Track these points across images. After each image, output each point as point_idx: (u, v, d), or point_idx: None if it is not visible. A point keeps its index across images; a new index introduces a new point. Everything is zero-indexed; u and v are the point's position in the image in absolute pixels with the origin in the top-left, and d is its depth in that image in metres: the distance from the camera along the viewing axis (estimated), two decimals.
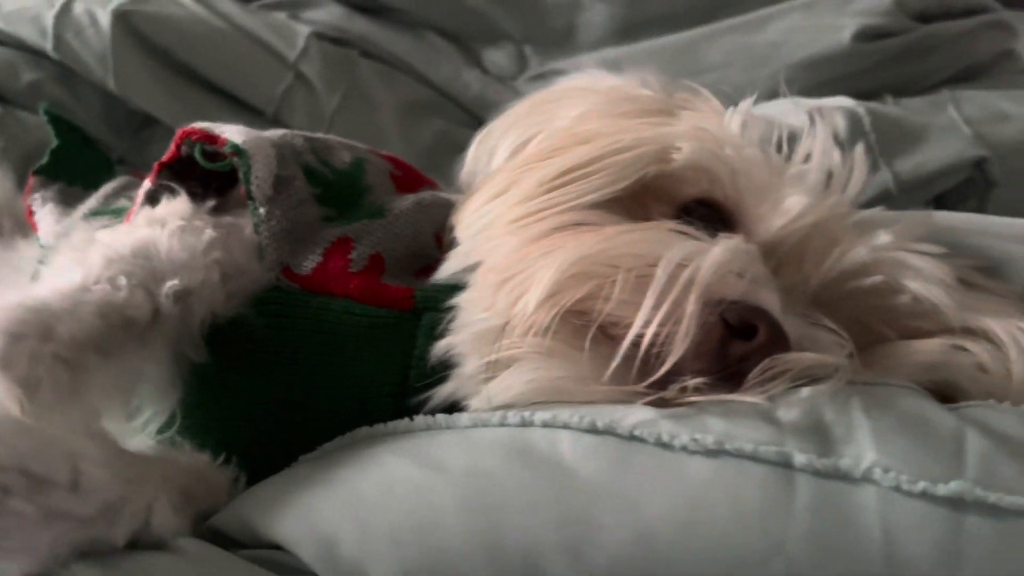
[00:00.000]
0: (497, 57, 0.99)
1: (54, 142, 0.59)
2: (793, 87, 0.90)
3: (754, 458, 0.29)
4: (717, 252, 0.33)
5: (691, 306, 0.32)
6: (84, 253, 0.38)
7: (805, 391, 0.31)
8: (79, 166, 0.59)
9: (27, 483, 0.28)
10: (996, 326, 0.37)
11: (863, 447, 0.29)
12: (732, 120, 0.42)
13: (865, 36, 0.89)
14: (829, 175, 0.42)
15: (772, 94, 0.89)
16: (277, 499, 0.33)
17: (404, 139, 0.89)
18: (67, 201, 0.55)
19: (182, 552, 0.31)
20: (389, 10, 0.99)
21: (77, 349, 0.33)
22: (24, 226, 0.63)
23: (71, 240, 0.41)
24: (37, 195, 0.55)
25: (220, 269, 0.39)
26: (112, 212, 0.52)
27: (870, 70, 0.90)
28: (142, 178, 0.57)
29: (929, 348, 0.37)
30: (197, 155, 0.44)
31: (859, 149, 0.41)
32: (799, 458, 0.29)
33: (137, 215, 0.43)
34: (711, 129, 0.41)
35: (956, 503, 0.27)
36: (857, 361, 0.34)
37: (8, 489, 0.28)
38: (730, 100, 0.80)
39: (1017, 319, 0.38)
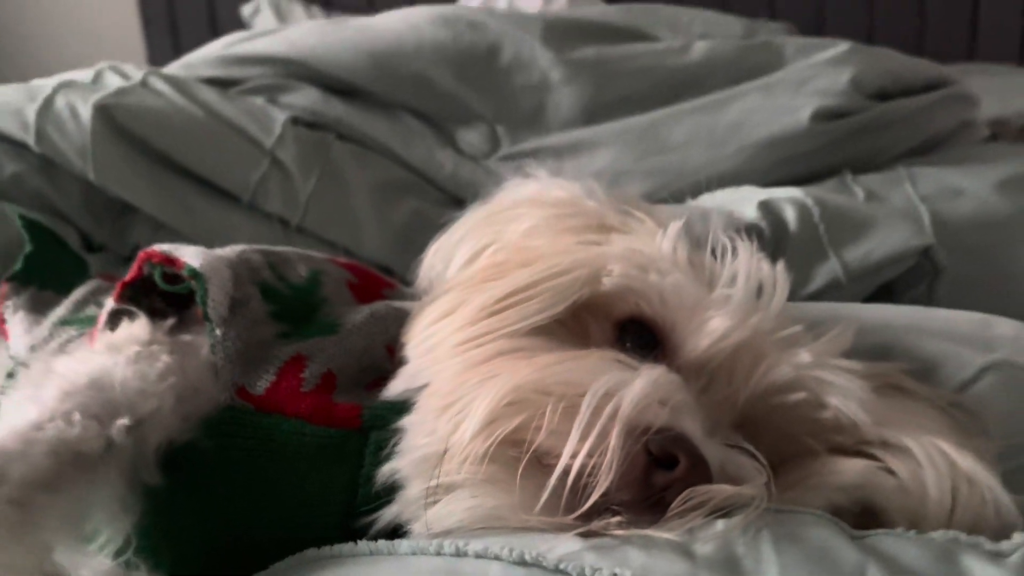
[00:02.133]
0: (470, 137, 1.02)
1: (27, 247, 0.61)
2: (754, 165, 0.94)
3: None
4: (640, 383, 0.35)
5: (615, 439, 0.34)
6: (40, 388, 0.39)
7: (720, 524, 0.33)
8: (52, 270, 0.61)
9: None
10: (914, 444, 0.39)
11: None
12: (664, 241, 0.44)
13: (823, 116, 0.92)
14: (759, 288, 0.44)
15: (734, 173, 0.93)
16: None
17: (379, 219, 0.92)
18: (38, 308, 0.57)
19: None
20: (364, 93, 1.02)
21: (28, 489, 0.35)
22: None
23: (30, 372, 0.43)
24: (9, 303, 0.57)
25: (175, 394, 0.41)
26: (80, 321, 0.54)
27: (828, 148, 0.93)
28: (111, 280, 0.60)
29: (851, 468, 0.38)
30: (157, 278, 0.46)
31: (780, 265, 0.43)
32: None
33: (99, 339, 0.45)
34: (642, 251, 0.43)
35: None
36: (774, 487, 0.36)
37: None
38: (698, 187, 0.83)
39: (936, 436, 0.40)
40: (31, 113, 0.84)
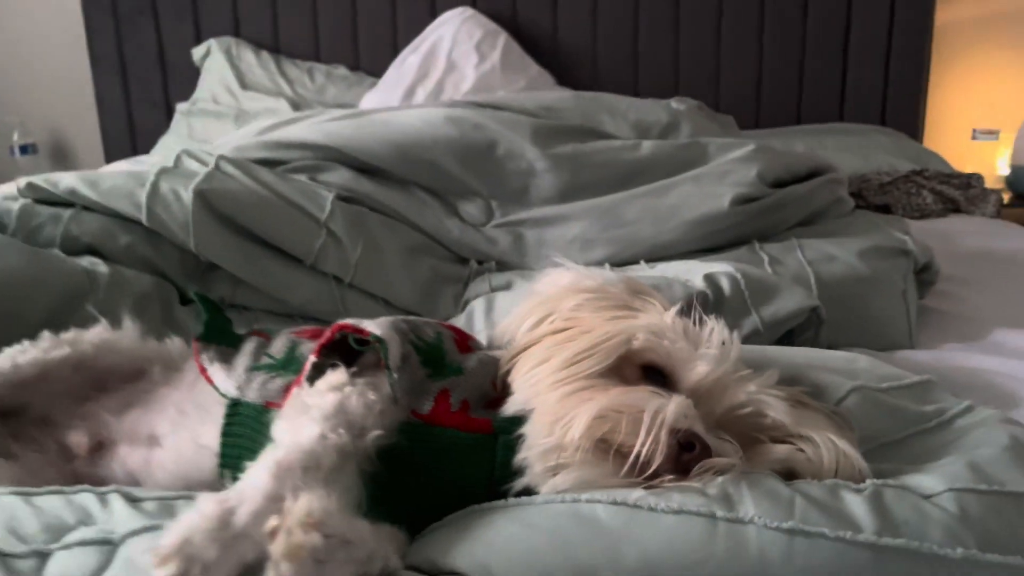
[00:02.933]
0: (470, 208, 1.30)
1: (204, 315, 0.85)
2: (688, 237, 1.25)
3: (696, 514, 0.59)
4: (673, 405, 0.64)
5: (663, 436, 0.62)
6: (305, 415, 0.65)
7: (719, 479, 0.62)
8: (219, 331, 0.85)
9: (343, 544, 0.55)
10: (815, 435, 0.69)
11: (748, 507, 0.60)
12: (667, 317, 0.73)
13: (738, 201, 1.24)
14: (723, 344, 0.73)
15: (673, 243, 1.23)
16: (447, 546, 0.61)
17: (407, 276, 1.18)
18: (224, 358, 0.81)
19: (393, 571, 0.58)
20: (385, 173, 1.28)
21: (329, 471, 0.60)
22: (168, 370, 0.88)
23: (288, 406, 0.68)
24: (204, 356, 0.81)
25: (381, 415, 0.67)
26: (266, 367, 0.79)
27: (742, 224, 1.25)
28: (265, 337, 0.84)
29: (781, 451, 0.68)
30: (352, 342, 0.72)
31: (735, 334, 0.73)
32: (719, 513, 0.59)
33: (316, 382, 0.70)
34: (656, 324, 0.72)
35: (790, 532, 0.58)
36: (744, 459, 0.65)
37: (335, 550, 0.55)
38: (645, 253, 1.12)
39: (827, 431, 0.70)
40: (142, 196, 1.07)
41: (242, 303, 1.11)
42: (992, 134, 3.07)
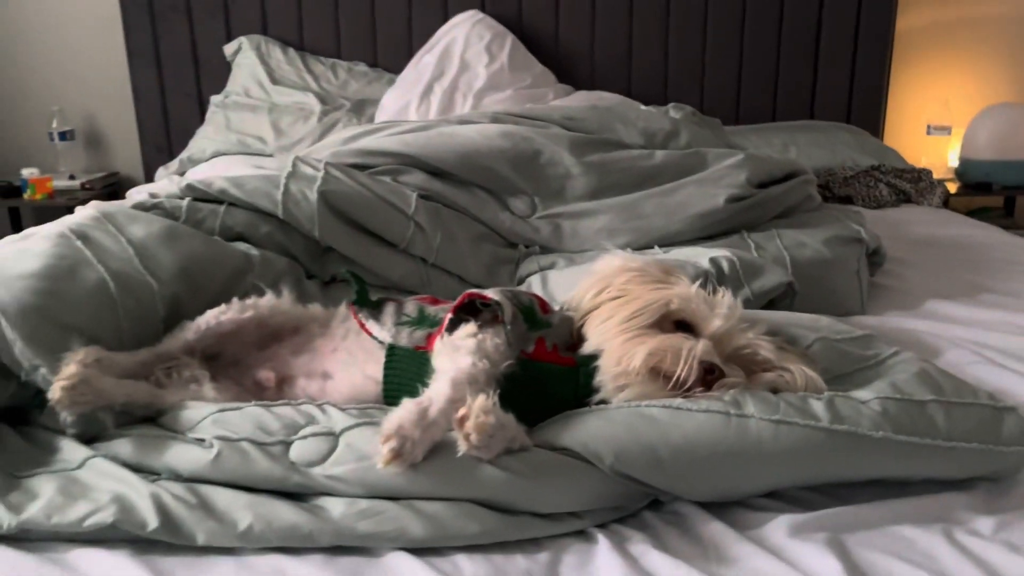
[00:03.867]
0: (518, 204, 1.62)
1: (355, 287, 1.17)
2: (691, 228, 1.58)
3: (717, 412, 0.93)
4: (701, 345, 0.98)
5: (696, 364, 0.96)
6: (458, 351, 0.97)
7: (731, 391, 0.96)
8: (365, 297, 1.17)
9: (501, 426, 0.88)
10: (793, 367, 1.03)
11: (749, 407, 0.94)
12: (693, 287, 1.07)
13: (731, 200, 1.58)
14: (730, 308, 1.07)
15: (678, 232, 1.57)
16: (558, 433, 0.94)
17: (474, 258, 1.51)
18: (374, 316, 1.14)
19: (534, 451, 0.92)
20: (451, 175, 1.60)
21: (483, 385, 0.93)
22: (320, 327, 1.20)
23: (441, 346, 1.00)
24: (360, 315, 1.14)
25: (503, 353, 1.00)
26: (407, 323, 1.11)
27: (733, 218, 1.59)
28: (399, 303, 1.17)
29: (770, 377, 1.02)
30: (479, 304, 1.05)
31: (738, 300, 1.07)
32: (731, 411, 0.93)
33: (456, 330, 1.03)
34: (686, 293, 1.06)
35: (777, 422, 0.92)
36: (745, 382, 0.99)
37: (498, 429, 0.88)
38: (658, 240, 1.46)
39: (800, 363, 1.04)
40: (278, 196, 1.38)
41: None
42: (944, 130, 3.43)
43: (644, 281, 1.10)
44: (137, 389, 1.06)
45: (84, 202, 3.18)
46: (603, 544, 0.89)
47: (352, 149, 1.61)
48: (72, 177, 3.40)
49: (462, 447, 0.87)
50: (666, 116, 2.00)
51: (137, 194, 2.90)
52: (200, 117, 3.32)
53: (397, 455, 0.87)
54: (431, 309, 1.15)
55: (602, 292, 1.11)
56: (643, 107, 2.02)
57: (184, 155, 3.05)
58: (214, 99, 3.21)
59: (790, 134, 2.97)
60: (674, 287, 1.08)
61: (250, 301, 1.18)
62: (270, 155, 2.93)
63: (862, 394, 0.99)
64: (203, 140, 3.06)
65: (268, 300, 1.20)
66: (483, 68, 3.04)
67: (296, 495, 0.93)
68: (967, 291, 1.66)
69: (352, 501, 0.90)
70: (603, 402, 1.00)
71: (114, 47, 3.42)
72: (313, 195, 1.38)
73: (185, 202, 1.36)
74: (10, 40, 3.48)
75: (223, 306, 1.16)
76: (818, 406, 0.95)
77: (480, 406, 0.87)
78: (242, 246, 1.33)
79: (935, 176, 2.80)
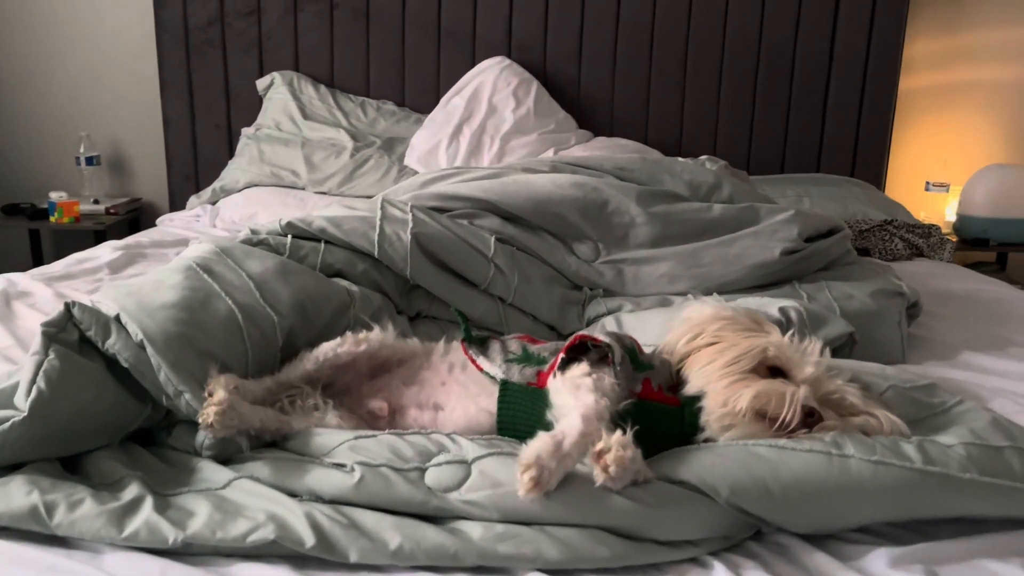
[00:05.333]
0: (583, 248, 1.72)
1: (463, 326, 1.25)
2: (748, 277, 1.69)
3: (820, 452, 1.03)
4: (803, 391, 1.07)
5: (798, 408, 1.05)
6: (579, 390, 1.06)
7: (830, 433, 1.05)
8: (471, 335, 1.26)
9: (632, 460, 0.97)
10: (878, 412, 1.13)
11: (849, 448, 1.03)
12: (785, 336, 1.17)
13: (785, 252, 1.69)
14: (820, 354, 1.17)
15: (736, 281, 1.67)
16: (676, 467, 1.03)
17: (547, 299, 1.60)
18: (484, 353, 1.22)
19: (656, 483, 1.00)
20: (522, 221, 1.69)
21: (607, 421, 1.02)
22: (423, 360, 1.28)
23: (560, 383, 1.09)
24: (471, 351, 1.22)
25: (618, 393, 1.09)
26: (515, 361, 1.19)
27: (786, 269, 1.70)
28: (501, 341, 1.25)
29: (859, 420, 1.11)
30: (589, 345, 1.13)
31: (827, 349, 1.17)
32: (833, 452, 1.03)
33: (567, 370, 1.11)
34: (780, 341, 1.16)
35: (875, 463, 1.02)
36: (840, 422, 1.09)
37: (631, 460, 0.96)
38: (717, 288, 1.57)
39: (884, 409, 1.14)
40: (374, 236, 1.47)
41: (434, 315, 1.52)
42: (943, 187, 3.60)
43: (736, 328, 1.20)
44: (268, 415, 1.13)
45: (109, 227, 3.22)
46: (719, 570, 0.97)
47: (431, 193, 1.70)
48: (96, 202, 3.45)
49: (599, 478, 0.96)
50: (706, 169, 2.11)
51: (168, 221, 2.97)
52: (229, 148, 3.40)
53: (536, 483, 0.95)
54: (533, 348, 1.24)
55: (696, 338, 1.20)
56: (682, 160, 2.14)
57: (217, 185, 3.12)
58: (245, 131, 3.29)
59: (803, 186, 3.11)
60: (770, 335, 1.18)
61: (362, 335, 1.26)
62: (302, 188, 3.01)
63: (946, 439, 1.09)
64: (236, 171, 3.13)
65: (377, 334, 1.28)
66: (510, 112, 3.16)
67: (433, 519, 1.01)
68: (996, 344, 1.78)
69: (489, 525, 0.98)
70: (708, 440, 1.08)
71: (146, 77, 3.49)
72: (407, 236, 1.46)
73: (288, 239, 1.44)
74: (45, 63, 3.54)
75: (339, 339, 1.24)
76: (909, 448, 1.05)
77: (619, 441, 0.96)
78: (343, 282, 1.41)
79: None
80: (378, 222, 1.48)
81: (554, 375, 1.13)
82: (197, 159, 3.45)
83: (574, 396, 1.05)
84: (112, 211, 3.41)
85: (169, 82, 3.39)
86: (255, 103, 3.39)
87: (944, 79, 3.66)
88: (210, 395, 1.06)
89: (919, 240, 2.65)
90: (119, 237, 2.66)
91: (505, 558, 0.95)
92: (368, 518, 0.98)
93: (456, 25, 3.36)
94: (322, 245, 1.46)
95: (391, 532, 0.96)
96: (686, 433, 1.10)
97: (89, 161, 3.50)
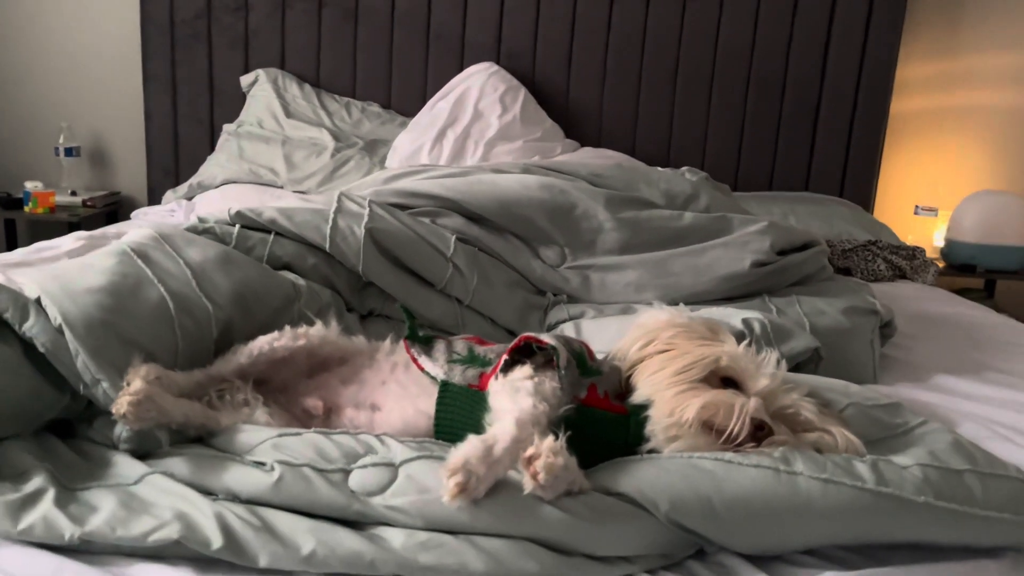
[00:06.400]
0: (548, 253, 1.67)
1: (408, 323, 1.20)
2: (717, 289, 1.64)
3: (767, 468, 0.97)
4: (753, 402, 1.02)
5: (747, 421, 1.00)
6: (518, 393, 1.00)
7: (779, 448, 1.00)
8: (416, 334, 1.20)
9: (565, 468, 0.91)
10: (834, 429, 1.07)
11: (799, 464, 0.98)
12: (740, 346, 1.12)
13: (755, 264, 1.64)
14: (776, 366, 1.11)
15: (705, 292, 1.62)
16: (615, 478, 0.97)
17: (508, 303, 1.54)
18: (426, 352, 1.16)
19: (592, 494, 0.95)
20: (488, 222, 1.64)
21: (543, 427, 0.96)
22: (366, 359, 1.22)
23: (499, 385, 1.03)
24: (413, 350, 1.16)
25: (561, 398, 1.03)
26: (458, 361, 1.14)
27: (756, 282, 1.65)
28: (448, 341, 1.20)
29: (813, 437, 1.06)
30: (535, 348, 1.08)
31: (783, 362, 1.11)
32: (781, 468, 0.97)
33: (509, 373, 1.05)
34: (734, 351, 1.10)
35: (825, 480, 0.96)
36: (792, 438, 1.03)
37: (562, 468, 0.90)
38: (685, 299, 1.51)
39: (839, 426, 1.08)
40: (326, 229, 1.41)
41: (388, 314, 1.46)
42: (932, 211, 3.55)
43: (691, 337, 1.14)
44: (193, 409, 1.07)
45: (84, 219, 3.16)
46: None
47: (393, 189, 1.65)
48: (74, 193, 3.39)
49: (528, 486, 0.90)
50: (685, 179, 2.06)
51: (143, 215, 2.92)
52: (210, 144, 3.35)
53: (462, 489, 0.89)
54: (480, 349, 1.18)
55: (648, 345, 1.15)
56: (661, 169, 2.09)
57: (194, 180, 3.07)
58: (227, 127, 3.24)
59: (789, 204, 3.06)
60: (723, 344, 1.12)
61: (302, 330, 1.20)
62: (280, 187, 2.96)
63: (902, 459, 1.03)
64: (214, 167, 3.08)
65: (318, 330, 1.22)
66: (496, 118, 3.12)
67: (354, 523, 0.95)
68: (972, 368, 1.72)
69: (412, 532, 0.92)
70: (653, 451, 1.03)
71: (129, 70, 3.45)
72: (360, 231, 1.41)
73: (236, 229, 1.38)
74: (27, 53, 3.49)
75: (276, 333, 1.18)
76: (863, 468, 0.99)
77: (550, 447, 0.90)
78: (290, 275, 1.36)
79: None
80: (331, 215, 1.43)
81: (496, 377, 1.08)
82: (178, 154, 3.40)
83: (512, 399, 1.00)
84: (89, 203, 3.35)
85: (153, 75, 3.34)
86: (239, 100, 3.34)
87: (936, 103, 3.62)
88: (128, 385, 1.01)
89: (903, 262, 2.60)
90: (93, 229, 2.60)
91: (426, 569, 0.89)
92: (284, 521, 0.92)
93: (445, 29, 3.32)
94: (271, 237, 1.40)
95: (305, 536, 0.90)
96: (631, 443, 1.05)
97: (68, 152, 3.45)
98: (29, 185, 3.26)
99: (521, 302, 1.56)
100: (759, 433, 1.01)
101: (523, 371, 1.06)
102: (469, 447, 0.92)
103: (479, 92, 3.18)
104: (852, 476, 0.97)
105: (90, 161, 3.59)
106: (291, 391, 1.19)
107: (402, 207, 1.60)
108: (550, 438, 0.91)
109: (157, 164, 3.41)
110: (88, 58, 3.49)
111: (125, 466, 1.01)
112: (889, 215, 3.61)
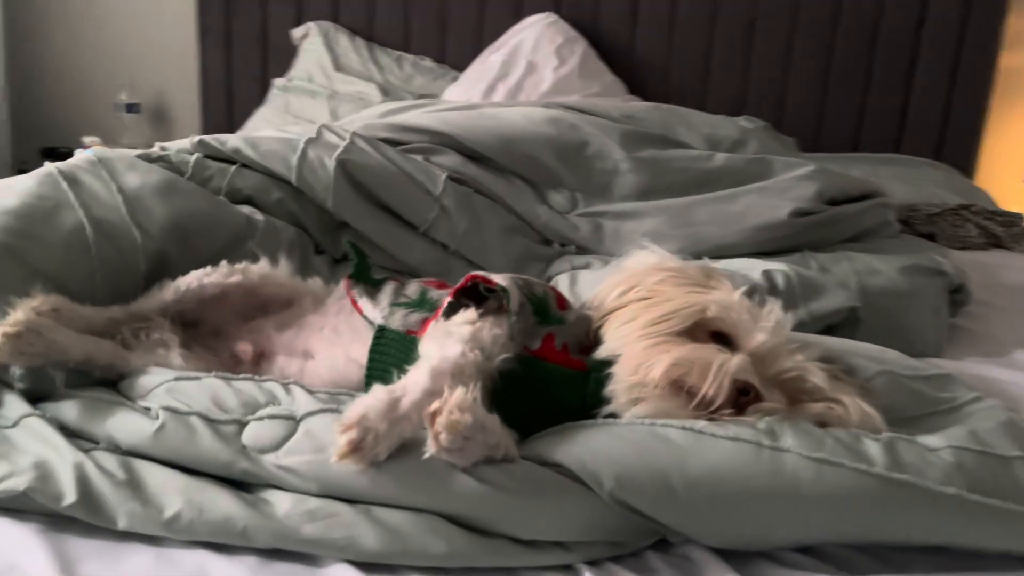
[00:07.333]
0: (558, 198, 1.48)
1: (355, 260, 1.05)
2: (748, 241, 1.41)
3: (746, 441, 0.77)
4: (736, 360, 0.81)
5: (726, 382, 0.80)
6: (449, 338, 0.83)
7: (766, 418, 0.80)
8: (366, 273, 1.05)
9: (482, 429, 0.74)
10: (847, 399, 0.86)
11: (788, 440, 0.77)
12: (735, 294, 0.91)
13: (796, 213, 1.41)
14: (779, 323, 0.91)
15: (734, 245, 1.40)
16: (554, 446, 0.79)
17: (503, 250, 1.37)
18: (369, 294, 1.01)
19: (522, 463, 0.77)
20: (489, 161, 1.47)
21: (469, 379, 0.79)
22: (315, 302, 1.08)
23: (433, 330, 0.86)
24: (354, 291, 1.01)
25: (503, 346, 0.86)
26: (403, 305, 0.98)
27: (797, 234, 1.41)
28: (401, 283, 1.04)
29: (818, 407, 0.85)
30: (482, 289, 0.90)
31: (789, 314, 0.90)
32: (765, 442, 0.77)
33: (452, 317, 0.89)
34: (726, 299, 0.90)
35: (820, 461, 0.76)
36: (787, 410, 0.82)
37: (476, 432, 0.73)
38: (711, 251, 1.29)
39: (857, 397, 0.87)
40: (293, 160, 1.27)
41: None
42: None
43: (680, 283, 0.95)
44: (99, 347, 0.95)
45: None
46: None
47: (386, 123, 1.49)
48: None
49: (431, 448, 0.73)
50: (736, 124, 1.83)
51: None
52: (262, 100, 3.28)
53: (356, 448, 0.73)
54: (435, 292, 1.01)
55: (629, 291, 0.96)
56: (705, 113, 1.86)
57: (239, 135, 2.99)
58: (277, 82, 3.16)
59: (872, 166, 2.76)
60: (715, 291, 0.92)
61: (240, 266, 1.07)
62: None
63: (932, 440, 0.81)
64: (260, 121, 3.01)
65: (261, 267, 1.09)
66: (550, 71, 2.92)
67: (248, 485, 0.80)
68: None
69: (302, 498, 0.77)
70: (613, 416, 0.84)
71: (187, 26, 3.41)
72: (331, 163, 1.26)
73: (194, 157, 1.26)
74: (88, 10, 3.51)
75: (209, 268, 1.05)
76: (874, 447, 0.78)
77: (457, 401, 0.73)
78: (247, 209, 1.22)
79: None
80: (302, 145, 1.28)
81: (437, 323, 0.91)
82: (232, 111, 3.35)
83: (438, 345, 0.83)
84: None
85: (208, 30, 3.30)
86: (291, 54, 3.26)
87: None
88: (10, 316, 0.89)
89: (998, 228, 2.28)
90: None
91: (307, 542, 0.74)
92: (157, 476, 0.79)
93: None
94: (232, 168, 1.27)
95: (174, 496, 0.76)
96: (589, 405, 0.86)
97: (130, 108, 3.44)
98: (87, 140, 3.27)
99: (520, 251, 1.38)
100: (743, 399, 0.81)
101: (466, 315, 0.89)
102: (371, 399, 0.76)
103: (534, 44, 2.99)
104: (856, 456, 0.76)
105: (152, 117, 3.59)
106: (225, 335, 1.06)
107: (394, 143, 1.44)
108: (460, 390, 0.74)
109: (212, 121, 3.37)
110: (148, 17, 3.48)
111: (11, 407, 0.89)
112: (993, 184, 3.22)
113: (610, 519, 0.77)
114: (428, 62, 3.20)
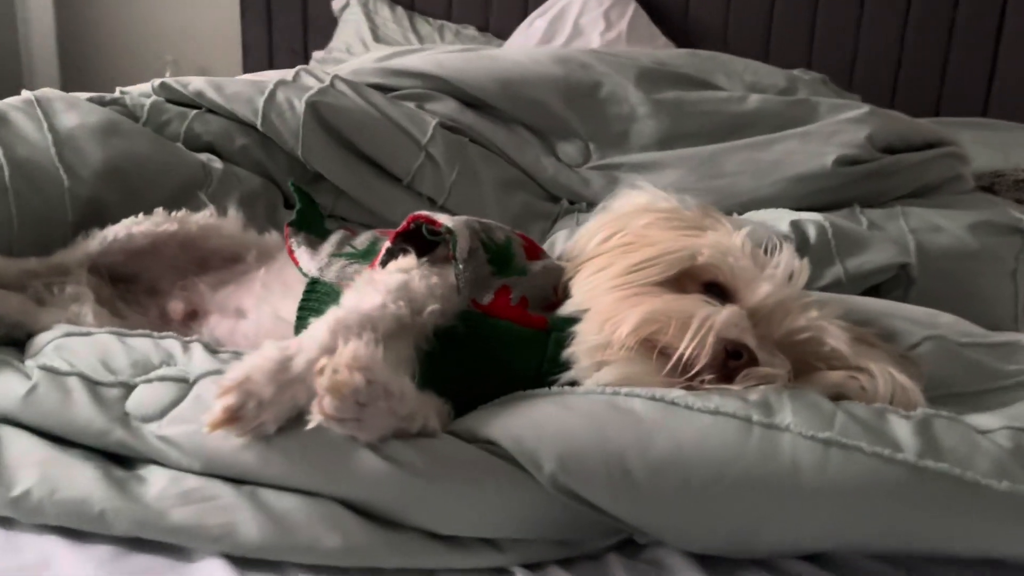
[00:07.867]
0: (568, 149, 1.31)
1: (298, 205, 0.91)
2: (786, 195, 1.22)
3: (732, 416, 0.59)
4: (725, 313, 0.64)
5: (710, 340, 0.62)
6: (371, 287, 0.68)
7: (761, 387, 0.62)
8: (311, 221, 0.91)
9: (385, 394, 0.58)
10: (875, 367, 0.67)
11: (786, 415, 0.59)
12: (736, 237, 0.73)
13: (843, 162, 1.20)
14: (791, 274, 0.72)
15: (770, 199, 1.21)
16: (487, 419, 0.63)
17: (500, 207, 1.21)
18: (311, 244, 0.86)
19: (444, 439, 0.61)
20: (490, 107, 1.31)
21: (385, 336, 0.64)
22: (263, 257, 0.94)
23: (359, 280, 0.72)
24: (292, 240, 0.86)
25: (442, 298, 0.70)
26: (348, 255, 0.83)
27: (844, 187, 1.21)
28: (351, 233, 0.89)
29: (836, 377, 0.67)
30: (425, 232, 0.75)
31: (805, 261, 0.72)
32: (755, 418, 0.59)
33: (388, 264, 0.74)
34: (723, 243, 0.72)
35: (826, 442, 0.58)
36: (793, 378, 0.64)
37: (377, 397, 0.58)
38: (742, 207, 1.10)
39: (890, 365, 0.68)
40: (259, 103, 1.14)
41: (342, 215, 1.17)
42: None
43: (672, 226, 0.77)
44: (7, 302, 0.84)
45: None
46: None
47: (377, 67, 1.35)
48: None
49: (314, 415, 0.58)
50: (784, 73, 1.62)
51: None
52: None
53: (234, 417, 0.59)
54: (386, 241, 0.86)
55: (612, 237, 0.79)
56: (757, 63, 1.65)
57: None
58: (316, 55, 3.07)
59: (952, 129, 2.48)
60: (710, 233, 0.75)
61: (177, 214, 0.94)
62: None
63: (983, 419, 0.62)
64: None
65: (202, 217, 0.96)
66: (597, 35, 2.74)
67: (127, 460, 0.67)
68: None
69: (179, 477, 0.63)
70: (574, 383, 0.68)
71: (230, 2, 3.37)
72: (300, 105, 1.12)
73: (150, 100, 1.14)
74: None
75: (140, 216, 0.93)
76: (902, 428, 0.59)
77: (349, 357, 0.57)
78: (203, 156, 1.10)
79: None
80: (271, 86, 1.15)
81: (371, 272, 0.76)
82: None
83: (357, 297, 0.68)
84: None
85: (249, 5, 3.23)
86: (332, 26, 3.16)
87: None
88: None
89: None
90: None
91: (175, 530, 0.60)
92: (18, 447, 0.66)
93: None
94: (193, 112, 1.14)
95: (30, 470, 0.63)
96: (547, 370, 0.70)
97: None
98: None
99: (519, 207, 1.22)
100: (733, 363, 0.64)
101: (403, 262, 0.74)
102: (259, 359, 0.61)
103: (581, 7, 2.81)
104: (877, 438, 0.58)
105: None
106: (160, 292, 0.93)
107: (386, 89, 1.29)
108: (353, 343, 0.59)
109: None
110: None
111: None
112: None
113: (554, 512, 0.61)
114: (471, 30, 3.05)
